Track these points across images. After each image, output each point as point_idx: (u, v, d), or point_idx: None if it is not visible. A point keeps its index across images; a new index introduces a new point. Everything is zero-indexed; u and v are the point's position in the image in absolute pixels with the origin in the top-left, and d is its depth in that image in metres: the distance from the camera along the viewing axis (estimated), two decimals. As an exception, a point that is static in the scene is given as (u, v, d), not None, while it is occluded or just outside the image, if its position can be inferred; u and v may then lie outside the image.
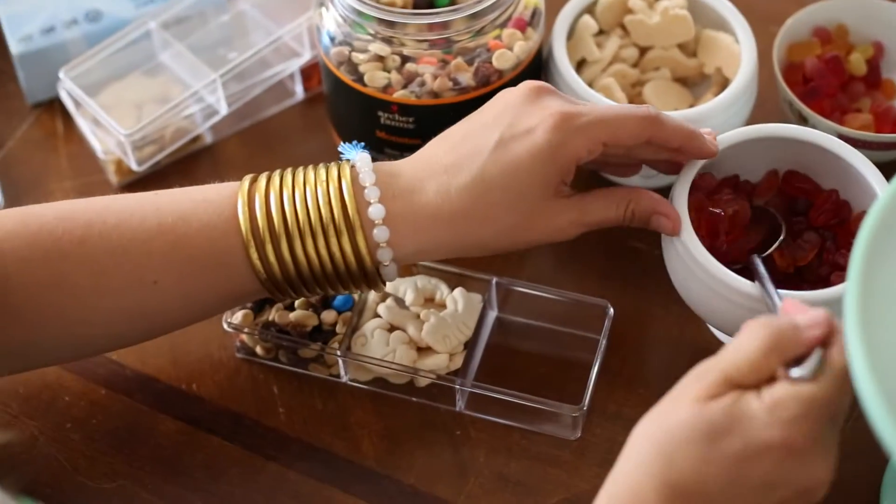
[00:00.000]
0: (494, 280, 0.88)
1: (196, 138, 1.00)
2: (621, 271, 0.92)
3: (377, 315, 0.87)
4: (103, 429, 0.87)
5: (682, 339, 0.88)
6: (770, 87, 0.95)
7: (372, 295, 0.88)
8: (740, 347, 0.66)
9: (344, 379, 0.87)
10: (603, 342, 0.85)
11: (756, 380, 0.65)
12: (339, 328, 0.87)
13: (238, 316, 0.87)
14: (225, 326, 0.87)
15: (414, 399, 0.86)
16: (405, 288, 0.88)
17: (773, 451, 0.63)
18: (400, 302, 0.88)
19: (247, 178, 0.80)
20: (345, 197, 0.78)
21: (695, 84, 0.96)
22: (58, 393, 0.88)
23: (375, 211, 0.77)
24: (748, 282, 0.78)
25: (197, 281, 0.79)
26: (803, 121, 0.91)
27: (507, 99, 0.80)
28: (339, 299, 0.88)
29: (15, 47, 1.01)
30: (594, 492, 0.68)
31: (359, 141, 0.82)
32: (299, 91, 1.02)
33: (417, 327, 0.86)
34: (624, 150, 0.80)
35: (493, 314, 0.90)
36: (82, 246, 0.77)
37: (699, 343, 0.88)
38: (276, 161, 0.99)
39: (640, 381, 0.87)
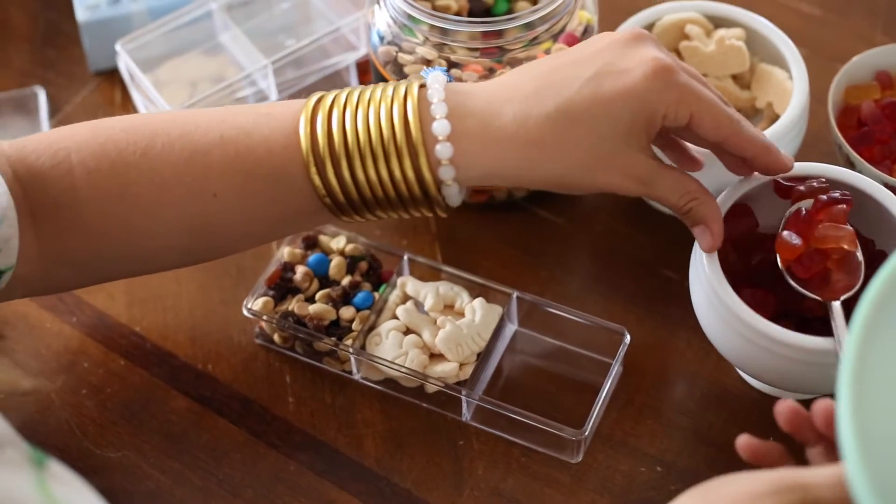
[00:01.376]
0: (516, 294, 0.87)
1: (247, 121, 1.01)
2: (648, 298, 0.91)
3: (395, 316, 0.88)
4: (117, 398, 0.88)
5: (700, 374, 0.87)
6: (826, 128, 0.94)
7: (392, 296, 0.88)
8: (831, 478, 0.61)
9: (356, 376, 0.88)
10: (615, 368, 0.85)
11: None
12: (355, 325, 0.87)
13: (258, 303, 0.88)
14: (245, 312, 0.88)
15: (423, 404, 0.86)
16: (426, 292, 0.88)
17: None
18: (419, 306, 0.88)
19: (315, 96, 0.79)
20: (408, 115, 0.76)
21: (747, 117, 0.94)
22: (79, 358, 0.90)
23: (440, 127, 0.76)
24: (787, 331, 0.77)
25: (257, 195, 0.79)
26: (850, 165, 0.89)
27: (607, 39, 0.78)
28: (359, 297, 0.88)
29: (81, 15, 1.03)
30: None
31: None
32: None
33: (432, 333, 0.86)
34: (700, 138, 0.79)
35: (512, 328, 0.89)
36: (145, 157, 0.78)
37: (717, 379, 0.87)
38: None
39: (650, 411, 0.86)
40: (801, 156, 0.92)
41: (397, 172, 0.77)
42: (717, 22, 0.93)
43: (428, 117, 0.76)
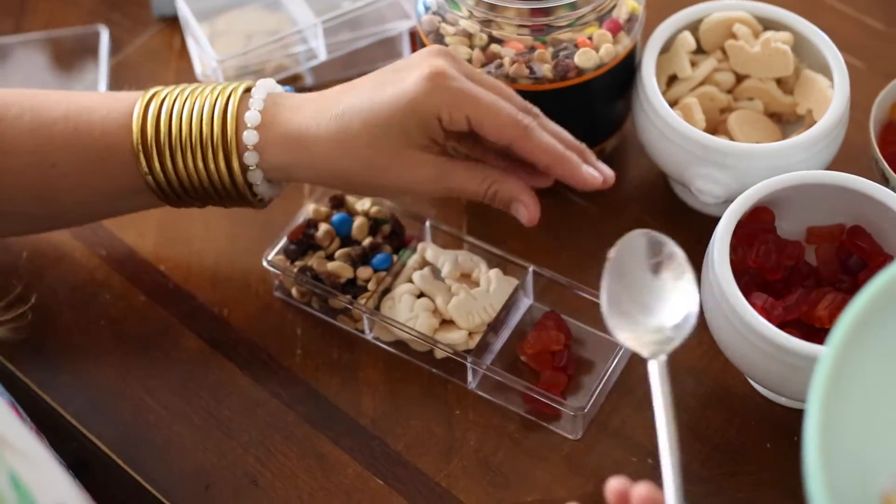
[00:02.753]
0: (532, 269, 0.88)
1: (297, 78, 1.03)
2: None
3: (411, 281, 0.88)
4: (133, 332, 0.90)
5: (706, 371, 0.87)
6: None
7: (411, 260, 0.89)
8: None
9: (368, 336, 0.89)
10: (622, 350, 0.85)
11: None
12: (371, 285, 0.88)
13: (277, 256, 0.90)
14: (264, 263, 0.89)
15: (433, 370, 0.87)
16: (445, 259, 0.88)
17: None
18: (436, 272, 0.89)
19: (155, 88, 0.84)
20: (228, 110, 0.81)
21: (788, 122, 0.93)
22: (101, 290, 0.92)
23: (250, 116, 0.81)
24: (793, 339, 0.76)
25: (92, 170, 0.83)
26: (885, 181, 0.88)
27: (414, 54, 0.83)
28: (377, 258, 0.89)
29: (150, -41, 1.05)
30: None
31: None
32: (406, 53, 1.04)
33: (445, 299, 0.87)
34: (496, 143, 0.81)
35: (528, 302, 0.90)
36: None
37: (722, 380, 0.86)
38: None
39: (650, 403, 0.84)
40: (840, 167, 0.91)
41: (211, 164, 0.82)
42: (767, 24, 0.92)
43: (244, 109, 0.81)
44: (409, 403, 0.86)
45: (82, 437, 0.86)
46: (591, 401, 0.83)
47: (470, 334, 0.86)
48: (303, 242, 0.90)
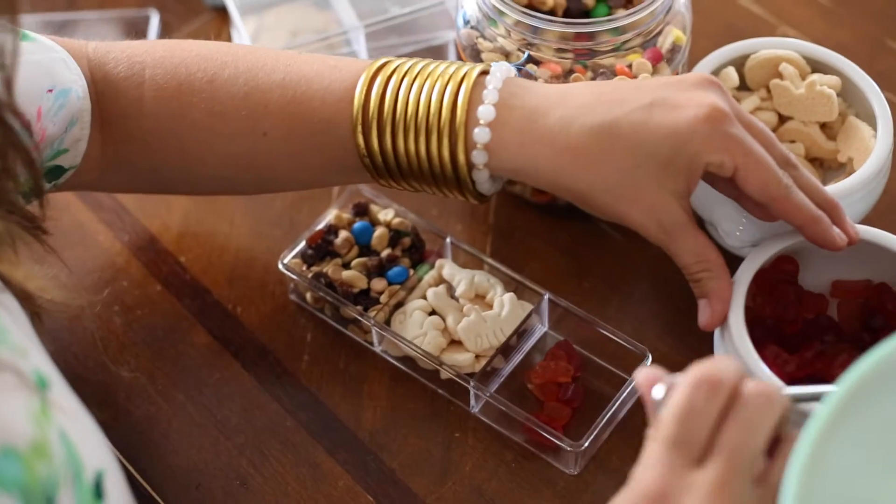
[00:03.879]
0: (548, 296, 0.86)
1: (339, 80, 1.02)
2: (685, 331, 0.88)
3: (424, 297, 0.87)
4: (144, 322, 0.90)
5: (716, 418, 0.84)
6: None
7: (427, 276, 0.88)
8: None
9: (376, 348, 0.88)
10: (628, 388, 0.83)
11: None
12: (384, 298, 0.87)
13: (293, 260, 0.89)
14: (280, 266, 0.88)
15: (438, 390, 0.86)
16: (461, 278, 0.87)
17: None
18: (451, 290, 0.87)
19: (382, 59, 0.80)
20: (459, 96, 0.77)
21: (830, 169, 0.90)
22: (120, 276, 0.92)
23: (484, 111, 0.76)
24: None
25: (303, 141, 0.80)
26: (923, 238, 0.85)
27: (676, 78, 0.77)
28: (393, 271, 0.88)
29: (204, -52, 1.05)
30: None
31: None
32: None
33: (457, 319, 0.85)
34: (747, 197, 0.76)
35: (542, 330, 0.88)
36: (210, 84, 0.81)
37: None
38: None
39: (653, 445, 0.83)
40: (879, 219, 0.88)
41: (434, 149, 0.77)
42: (816, 66, 0.90)
43: (477, 100, 0.77)
44: (409, 421, 0.85)
45: (82, 422, 0.86)
46: (591, 438, 0.81)
47: (477, 357, 0.85)
48: (321, 248, 0.89)
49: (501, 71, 0.78)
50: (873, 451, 0.59)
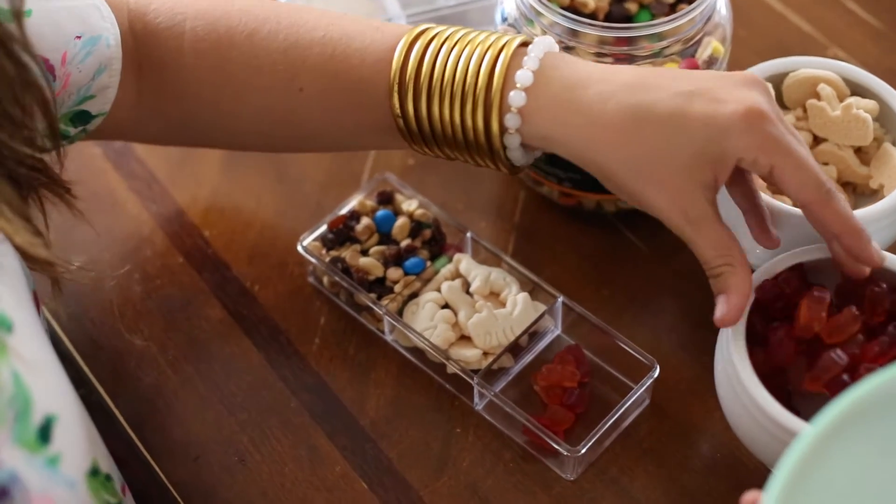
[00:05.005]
0: (561, 299, 0.86)
1: (380, 68, 1.02)
2: (699, 347, 0.87)
3: (439, 290, 0.87)
4: (162, 292, 0.91)
5: (719, 436, 0.83)
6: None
7: (444, 269, 0.88)
8: None
9: (387, 337, 0.88)
10: (633, 397, 0.82)
11: None
12: (398, 288, 0.87)
13: (315, 243, 0.89)
14: (298, 247, 0.89)
15: (444, 384, 0.86)
16: (477, 274, 0.87)
17: None
18: (466, 286, 0.87)
19: (424, 25, 0.80)
20: (497, 64, 0.76)
21: (863, 194, 0.89)
22: (144, 245, 0.93)
23: (522, 76, 0.75)
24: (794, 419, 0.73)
25: (339, 98, 0.80)
26: (948, 272, 0.83)
27: (720, 73, 0.76)
28: (410, 261, 0.88)
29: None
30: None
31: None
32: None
33: (468, 315, 0.85)
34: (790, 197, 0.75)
35: (555, 332, 0.87)
36: (249, 39, 0.81)
37: (735, 448, 0.82)
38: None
39: (654, 457, 0.82)
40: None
41: (469, 116, 0.77)
42: (855, 88, 0.88)
43: (516, 66, 0.76)
44: (412, 412, 0.85)
45: (91, 384, 0.87)
46: (590, 444, 0.80)
47: (485, 354, 0.84)
48: (342, 233, 0.89)
49: (544, 43, 0.78)
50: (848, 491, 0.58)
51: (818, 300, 0.75)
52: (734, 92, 0.73)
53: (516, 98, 0.76)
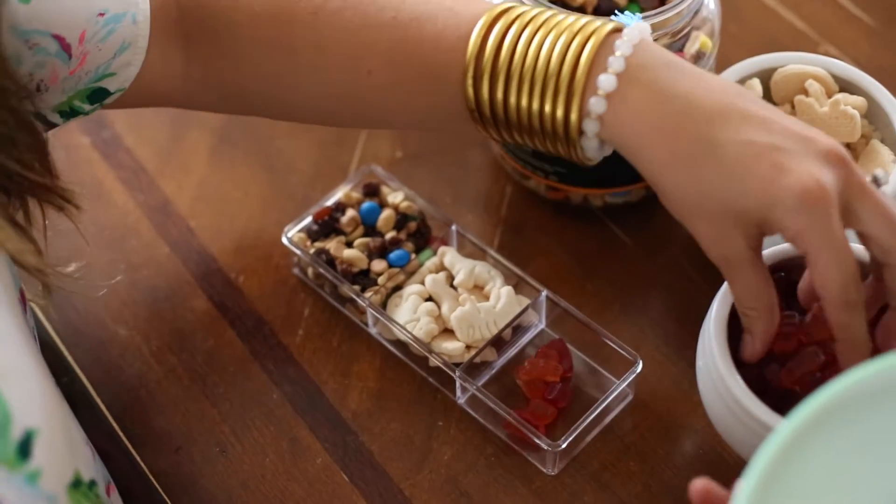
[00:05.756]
0: (545, 293, 0.85)
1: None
2: (684, 342, 0.86)
3: (423, 283, 0.87)
4: (147, 283, 0.91)
5: (702, 433, 0.83)
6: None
7: (428, 262, 0.88)
8: None
9: (371, 330, 0.87)
10: (616, 391, 0.82)
11: None
12: (382, 280, 0.87)
13: (299, 235, 0.89)
14: (283, 239, 0.89)
15: (427, 377, 0.85)
16: (461, 267, 0.87)
17: None
18: (450, 279, 0.87)
19: (505, 4, 0.76)
20: (582, 56, 0.72)
21: (850, 190, 0.88)
22: (130, 235, 0.93)
23: (605, 81, 0.71)
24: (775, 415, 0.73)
25: (410, 84, 0.77)
26: (934, 270, 0.83)
27: (808, 136, 0.70)
28: (395, 254, 0.88)
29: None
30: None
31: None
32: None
33: (451, 307, 0.85)
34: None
35: (539, 327, 0.87)
36: (314, 16, 0.78)
37: (717, 444, 0.82)
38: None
39: (636, 453, 0.82)
40: None
41: (548, 108, 0.74)
42: (844, 85, 0.88)
43: (601, 64, 0.72)
44: (394, 405, 0.85)
45: (74, 373, 0.87)
46: (570, 439, 0.80)
47: (468, 347, 0.84)
48: (327, 224, 0.89)
49: (634, 33, 0.73)
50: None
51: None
52: (805, 163, 0.69)
53: (597, 105, 0.72)
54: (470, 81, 0.75)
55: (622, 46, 0.72)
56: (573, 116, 0.73)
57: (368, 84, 0.78)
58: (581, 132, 0.74)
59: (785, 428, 0.57)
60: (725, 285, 0.77)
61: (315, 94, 0.80)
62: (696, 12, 0.86)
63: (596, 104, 0.72)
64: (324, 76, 0.79)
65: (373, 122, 0.85)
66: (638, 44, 0.72)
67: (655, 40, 0.85)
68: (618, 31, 0.74)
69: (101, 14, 0.75)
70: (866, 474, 0.60)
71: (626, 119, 0.72)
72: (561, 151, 0.76)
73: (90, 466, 0.69)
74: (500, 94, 0.74)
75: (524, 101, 0.74)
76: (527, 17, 0.75)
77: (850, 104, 0.86)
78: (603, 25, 0.73)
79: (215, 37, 0.80)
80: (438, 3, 0.77)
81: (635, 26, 0.73)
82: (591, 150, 0.75)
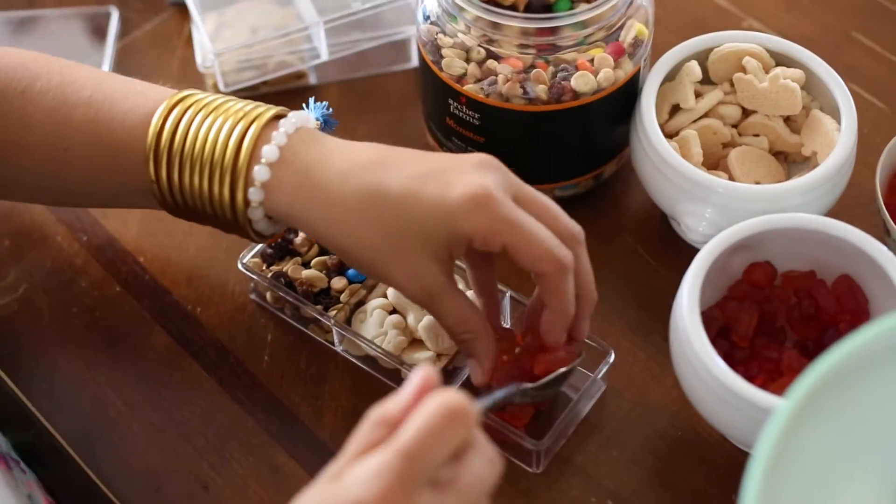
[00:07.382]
0: (509, 293, 0.85)
1: (300, 76, 1.01)
2: (649, 327, 0.87)
3: (385, 295, 0.86)
4: (103, 323, 0.89)
5: (680, 414, 0.84)
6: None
7: (388, 275, 0.87)
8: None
9: (337, 348, 0.87)
10: (589, 384, 0.82)
11: None
12: (344, 297, 0.86)
13: (252, 260, 0.88)
14: (239, 265, 0.87)
15: (397, 388, 0.85)
16: (422, 278, 0.86)
17: None
18: (413, 290, 0.86)
19: (186, 91, 0.80)
20: (247, 136, 0.77)
21: (795, 162, 0.90)
22: (78, 277, 0.91)
23: (268, 151, 0.76)
24: (756, 390, 0.74)
25: (103, 163, 0.80)
26: (886, 232, 0.85)
27: (461, 155, 0.77)
28: (353, 269, 0.87)
29: (164, -55, 1.03)
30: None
31: (433, 124, 0.79)
32: (415, 58, 1.02)
33: (417, 318, 0.84)
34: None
35: (505, 326, 0.87)
36: (22, 95, 0.80)
37: (695, 424, 0.83)
38: (365, 116, 0.99)
39: (617, 442, 0.83)
40: (844, 213, 0.88)
41: (216, 189, 0.78)
42: (780, 59, 0.89)
43: (264, 140, 0.77)
44: (370, 421, 0.84)
45: (40, 424, 0.85)
46: (553, 436, 0.80)
47: (439, 356, 0.84)
48: (281, 247, 0.88)
49: (298, 118, 0.78)
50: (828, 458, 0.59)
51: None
52: (464, 175, 0.74)
53: (261, 173, 0.76)
54: (151, 163, 0.78)
55: (285, 125, 0.77)
56: (239, 192, 0.77)
57: (67, 160, 0.80)
58: (247, 204, 0.77)
59: (784, 408, 0.58)
60: (692, 268, 0.78)
61: (26, 170, 0.82)
62: (630, 3, 0.87)
63: (260, 172, 0.76)
64: (30, 153, 0.81)
65: (76, 198, 0.86)
66: (301, 126, 0.78)
67: (592, 34, 0.85)
68: (281, 116, 0.79)
69: None
70: (865, 444, 0.60)
71: (289, 186, 0.76)
72: (238, 232, 0.80)
73: None
74: (176, 177, 0.78)
75: (196, 182, 0.78)
76: (202, 103, 0.79)
77: (789, 77, 0.87)
78: (268, 110, 0.78)
79: None
80: (132, 86, 0.81)
81: (300, 113, 0.79)
82: (260, 223, 0.79)
